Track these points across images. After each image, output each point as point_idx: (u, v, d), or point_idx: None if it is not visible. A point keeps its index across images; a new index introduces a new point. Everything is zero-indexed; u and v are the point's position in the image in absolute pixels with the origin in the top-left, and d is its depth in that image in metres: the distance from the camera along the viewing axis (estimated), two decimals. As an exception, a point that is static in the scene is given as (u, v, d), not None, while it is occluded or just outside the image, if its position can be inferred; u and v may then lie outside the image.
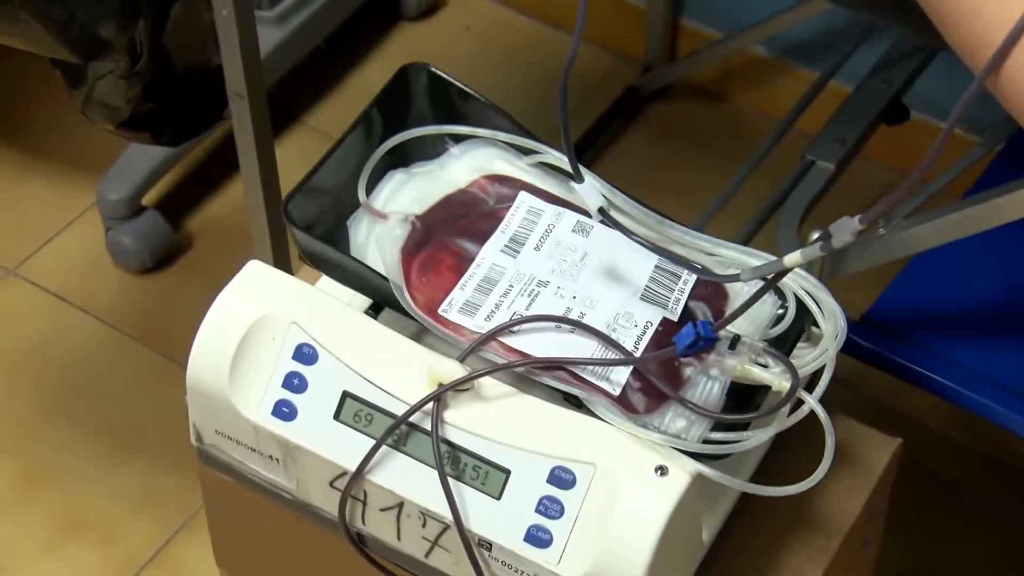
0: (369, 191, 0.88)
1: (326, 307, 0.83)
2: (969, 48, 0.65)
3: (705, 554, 0.83)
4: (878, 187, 1.57)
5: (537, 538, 0.77)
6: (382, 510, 0.81)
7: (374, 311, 0.87)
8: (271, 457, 0.84)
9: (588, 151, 1.76)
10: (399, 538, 0.82)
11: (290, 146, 1.75)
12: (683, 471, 0.75)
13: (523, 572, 0.78)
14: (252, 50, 1.08)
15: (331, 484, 0.82)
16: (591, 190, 0.81)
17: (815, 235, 0.80)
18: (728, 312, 0.81)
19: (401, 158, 0.89)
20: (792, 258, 0.70)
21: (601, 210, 0.81)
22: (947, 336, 1.03)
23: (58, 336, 1.55)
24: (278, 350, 0.82)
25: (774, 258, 0.75)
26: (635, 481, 0.75)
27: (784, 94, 1.74)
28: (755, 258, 0.81)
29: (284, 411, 0.82)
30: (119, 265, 1.62)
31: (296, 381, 0.81)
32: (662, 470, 0.75)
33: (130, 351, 1.54)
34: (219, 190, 1.70)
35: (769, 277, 0.73)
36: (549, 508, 0.77)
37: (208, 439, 0.86)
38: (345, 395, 0.80)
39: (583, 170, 0.83)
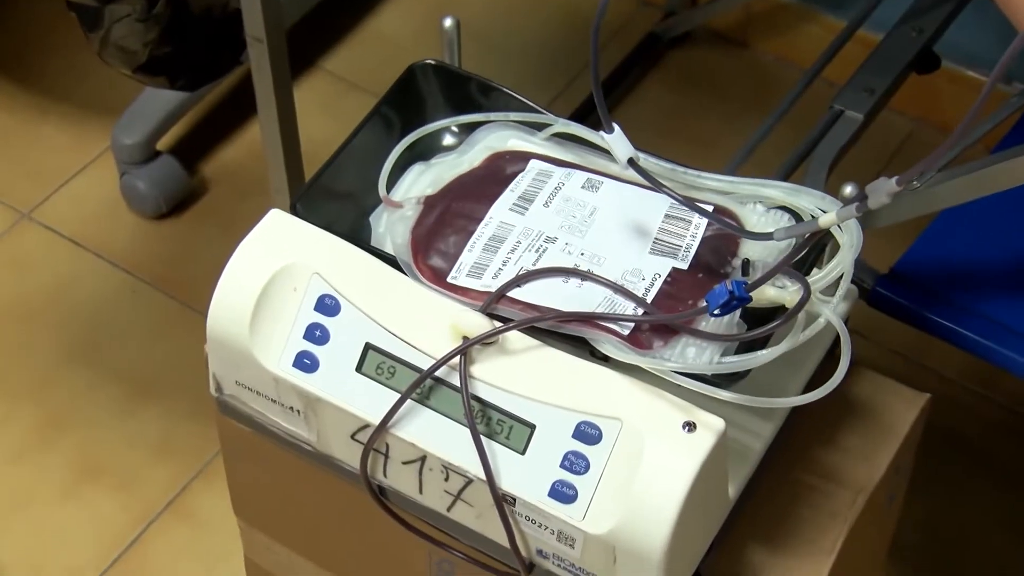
0: (390, 187, 0.87)
1: (349, 258, 0.81)
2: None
3: (732, 509, 0.82)
4: (901, 136, 1.55)
5: (562, 493, 0.76)
6: (404, 463, 0.80)
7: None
8: (292, 409, 0.83)
9: (607, 99, 1.74)
10: (421, 491, 0.81)
11: (307, 90, 1.74)
12: (710, 427, 0.74)
13: (547, 527, 0.77)
14: (272, -7, 1.06)
15: (353, 437, 0.81)
16: (621, 140, 0.79)
17: (850, 193, 0.78)
18: (741, 250, 0.80)
19: (419, 154, 0.89)
20: (827, 219, 0.69)
21: (631, 160, 0.79)
22: (973, 290, 1.02)
23: (73, 282, 1.54)
24: (300, 301, 0.80)
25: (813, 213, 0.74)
26: (662, 437, 0.74)
27: (807, 41, 1.72)
28: (775, 190, 0.80)
29: (305, 363, 0.81)
30: (134, 210, 1.60)
31: (318, 332, 0.80)
32: (690, 426, 0.74)
33: (145, 297, 1.53)
34: (235, 135, 1.68)
35: (804, 237, 0.72)
36: (574, 463, 0.76)
37: (228, 389, 0.85)
38: (368, 347, 0.79)
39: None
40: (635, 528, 0.74)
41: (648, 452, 0.74)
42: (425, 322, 0.79)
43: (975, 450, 1.42)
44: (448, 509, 0.81)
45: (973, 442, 1.42)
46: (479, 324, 0.77)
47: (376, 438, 0.80)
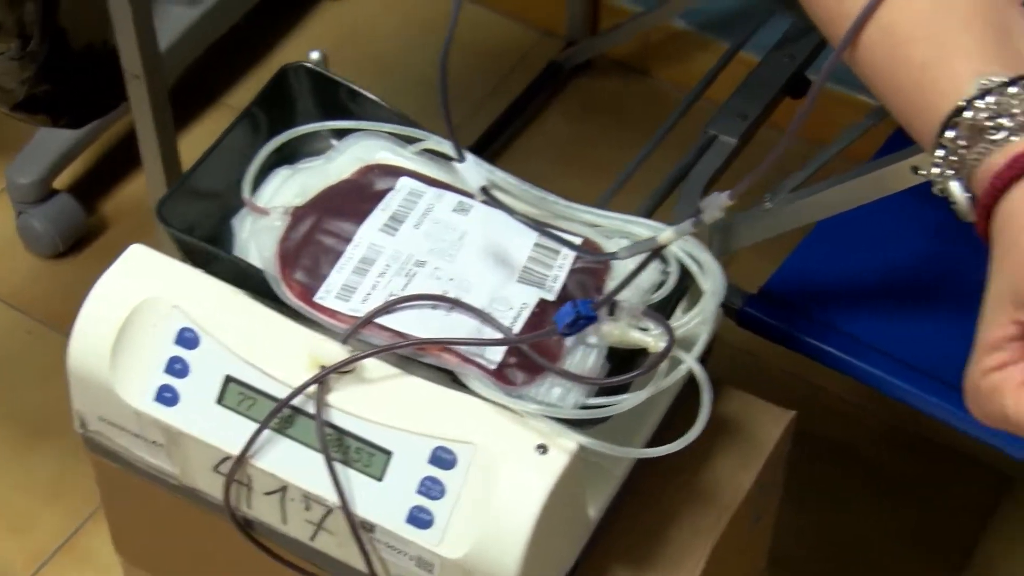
0: (254, 190, 0.87)
1: (209, 291, 0.82)
2: (829, 20, 0.65)
3: (593, 531, 0.83)
4: (790, 157, 1.58)
5: (419, 519, 0.76)
6: (266, 494, 0.81)
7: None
8: (155, 443, 0.83)
9: (509, 128, 1.75)
10: (284, 522, 0.81)
11: (209, 127, 1.73)
12: (563, 449, 0.75)
13: (406, 553, 0.77)
14: (147, 28, 1.07)
15: (215, 469, 0.81)
16: (473, 168, 0.80)
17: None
18: (607, 284, 0.81)
19: (287, 157, 0.89)
20: (666, 235, 0.70)
21: (484, 189, 0.80)
22: (840, 308, 1.04)
23: (-32, 322, 1.53)
24: (160, 334, 0.81)
25: (659, 227, 0.75)
26: (515, 460, 0.75)
27: (705, 68, 1.74)
28: (641, 227, 0.81)
29: (166, 396, 0.81)
30: (30, 250, 1.59)
31: (178, 366, 0.81)
32: (542, 448, 0.75)
33: (40, 337, 1.52)
34: (135, 172, 1.68)
35: (646, 255, 0.73)
36: (431, 489, 0.76)
37: (92, 426, 0.85)
38: (228, 379, 0.80)
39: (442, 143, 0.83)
40: (489, 551, 0.75)
41: (501, 475, 0.75)
42: (284, 352, 0.79)
43: (862, 461, 1.44)
44: (312, 539, 0.81)
45: (865, 457, 1.45)
46: (336, 353, 0.78)
47: (237, 470, 0.80)
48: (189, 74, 1.76)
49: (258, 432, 0.78)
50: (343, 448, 0.78)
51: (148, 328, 0.81)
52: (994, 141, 0.57)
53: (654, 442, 0.87)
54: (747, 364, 1.42)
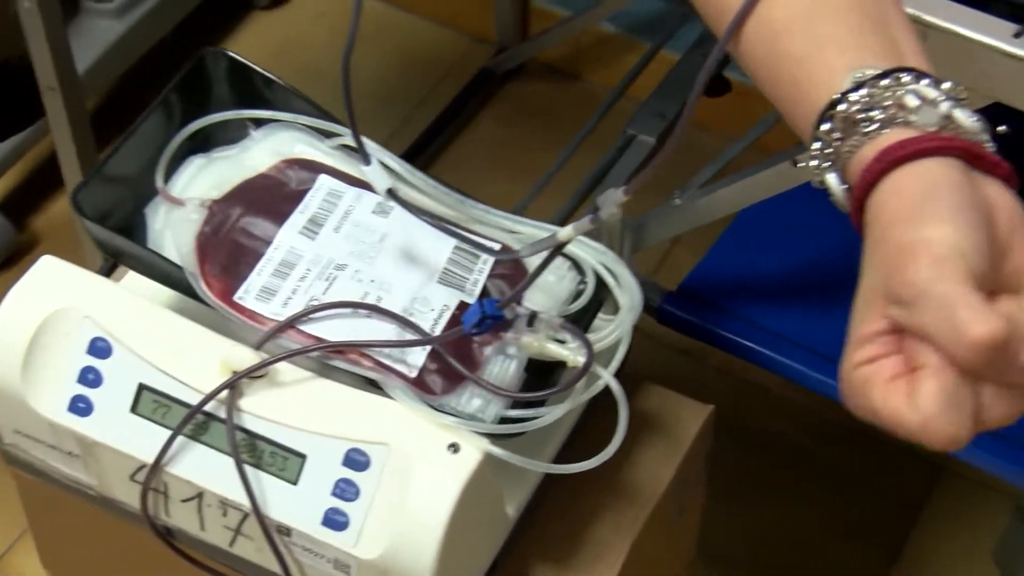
0: (168, 178, 0.87)
1: (120, 300, 0.82)
2: (715, 16, 0.66)
3: (512, 529, 0.84)
4: (710, 153, 1.60)
5: (334, 521, 0.77)
6: (183, 501, 0.81)
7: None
8: (71, 454, 0.83)
9: (442, 134, 1.76)
10: (203, 528, 0.81)
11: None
12: (475, 448, 0.76)
13: (323, 556, 0.78)
14: (61, 41, 1.06)
15: (132, 478, 0.81)
16: (379, 171, 0.81)
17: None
18: (526, 293, 0.82)
19: (202, 144, 0.88)
20: (565, 232, 0.71)
21: (390, 191, 0.81)
22: (761, 303, 1.05)
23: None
24: (72, 345, 0.81)
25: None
26: (427, 459, 0.75)
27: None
28: (545, 230, 0.82)
29: (80, 406, 0.81)
30: (-40, 266, 1.59)
31: (91, 376, 0.80)
32: (454, 447, 0.76)
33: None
34: (66, 188, 1.68)
35: (548, 252, 0.74)
36: (345, 491, 0.77)
37: (8, 439, 0.85)
38: (141, 387, 0.80)
39: (377, 149, 0.83)
40: (404, 550, 0.75)
41: (414, 475, 0.75)
42: (196, 359, 0.79)
43: (795, 455, 1.46)
44: (231, 545, 0.81)
45: (793, 447, 1.46)
46: (247, 358, 0.78)
47: (152, 478, 0.80)
48: (118, 88, 1.76)
49: (172, 439, 0.78)
50: (256, 453, 0.78)
51: (60, 339, 0.81)
52: (866, 133, 0.58)
53: (568, 447, 0.88)
54: (680, 361, 1.44)
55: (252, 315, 0.80)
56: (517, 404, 0.78)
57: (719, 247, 1.06)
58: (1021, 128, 0.64)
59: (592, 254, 0.84)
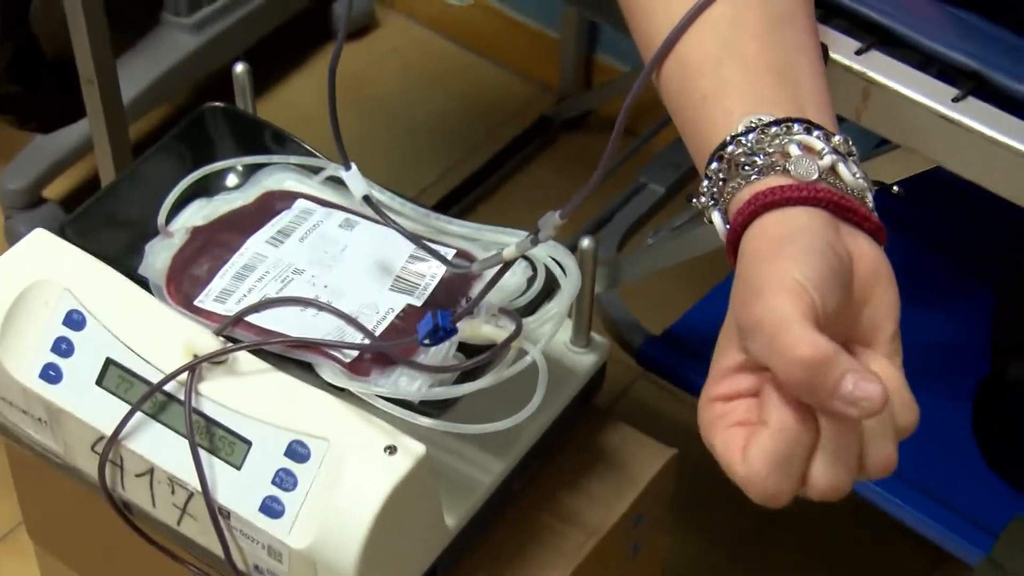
0: (170, 220, 0.90)
1: (101, 277, 0.85)
2: (643, 46, 0.68)
3: (453, 540, 0.85)
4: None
5: (271, 509, 0.79)
6: (137, 476, 0.84)
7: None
8: (40, 420, 0.86)
9: (494, 175, 1.79)
10: (154, 505, 0.84)
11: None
12: (410, 452, 0.78)
13: (258, 542, 0.80)
14: (100, 34, 1.11)
15: (92, 448, 0.85)
16: (357, 177, 0.84)
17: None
18: (474, 290, 0.84)
19: (201, 191, 0.92)
20: (509, 251, 0.73)
21: (366, 197, 0.84)
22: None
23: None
24: (49, 314, 0.84)
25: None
26: (363, 458, 0.78)
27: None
28: (510, 237, 0.84)
29: (51, 374, 0.84)
30: (13, 253, 1.64)
31: (64, 346, 0.84)
32: (391, 449, 0.78)
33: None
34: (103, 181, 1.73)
35: (496, 269, 0.76)
36: (284, 480, 0.79)
37: (-14, 400, 0.89)
38: (108, 362, 0.83)
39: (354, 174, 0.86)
40: (330, 543, 0.77)
41: (348, 471, 0.77)
42: (163, 341, 0.83)
43: (797, 522, 1.45)
44: (178, 523, 0.84)
45: (796, 515, 1.45)
46: (209, 344, 0.81)
47: (111, 449, 0.83)
48: (189, 101, 1.82)
49: (130, 414, 0.81)
50: (209, 435, 0.81)
51: (40, 307, 0.84)
52: (746, 177, 0.59)
53: (524, 467, 0.89)
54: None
55: (208, 315, 0.83)
56: (452, 383, 0.79)
57: (711, 298, 1.07)
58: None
59: (545, 249, 0.85)
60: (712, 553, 1.43)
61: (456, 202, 1.70)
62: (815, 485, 0.56)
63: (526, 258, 0.85)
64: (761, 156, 0.59)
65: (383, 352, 0.80)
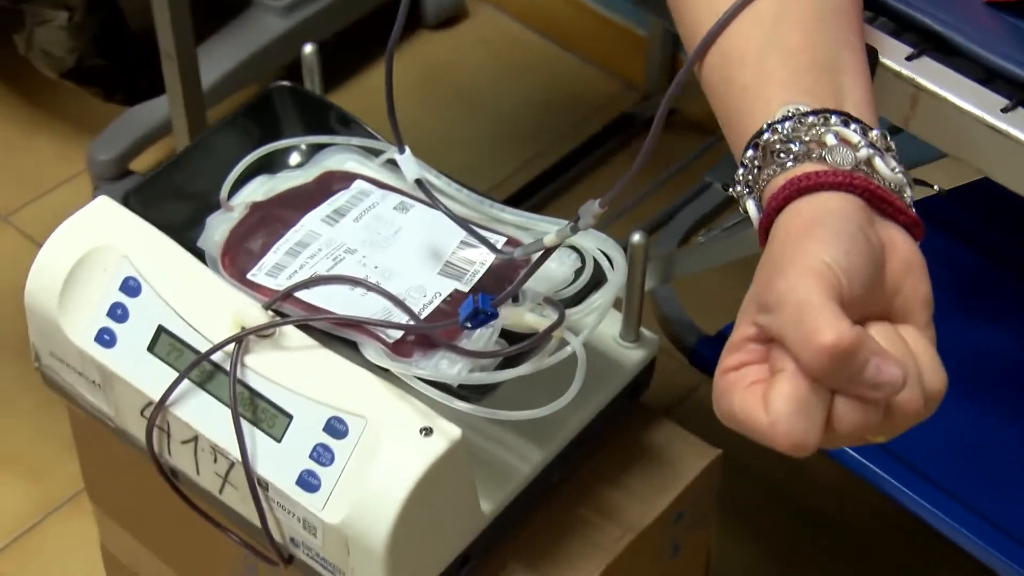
0: (233, 194, 0.92)
1: (159, 247, 0.87)
2: (687, 38, 0.68)
3: (487, 527, 0.86)
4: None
5: (308, 483, 0.80)
6: (183, 443, 0.85)
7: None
8: (94, 382, 0.88)
9: (572, 169, 1.80)
10: (198, 472, 0.86)
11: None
12: (446, 435, 0.79)
13: (294, 514, 0.81)
14: (182, 11, 1.13)
15: (142, 413, 0.87)
16: (411, 161, 0.85)
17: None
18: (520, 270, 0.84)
19: (264, 168, 0.94)
20: (550, 239, 0.74)
21: (418, 181, 0.84)
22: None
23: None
24: (107, 280, 0.86)
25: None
26: (398, 437, 0.78)
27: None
28: (554, 227, 0.84)
29: (105, 338, 0.86)
30: (98, 223, 1.68)
31: (119, 311, 0.86)
32: (427, 431, 0.79)
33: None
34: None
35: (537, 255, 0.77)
36: (322, 455, 0.80)
37: (45, 360, 0.91)
38: (160, 329, 0.85)
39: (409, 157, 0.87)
40: (363, 519, 0.78)
41: (383, 450, 0.78)
42: (213, 312, 0.84)
43: (848, 533, 1.44)
44: (220, 492, 0.86)
45: (847, 526, 1.44)
46: (257, 317, 0.83)
47: (157, 415, 0.85)
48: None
49: (177, 381, 0.83)
50: (252, 407, 0.82)
51: (99, 272, 0.87)
52: (782, 164, 0.59)
53: (564, 459, 0.90)
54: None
55: (259, 288, 0.85)
56: (492, 368, 0.79)
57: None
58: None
59: (593, 241, 0.85)
60: (763, 562, 1.42)
61: (532, 195, 1.70)
62: (841, 424, 0.54)
63: (576, 250, 0.86)
64: (797, 144, 0.59)
65: (427, 335, 0.81)
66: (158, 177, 0.93)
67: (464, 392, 0.79)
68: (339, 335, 0.82)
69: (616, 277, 0.82)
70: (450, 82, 1.94)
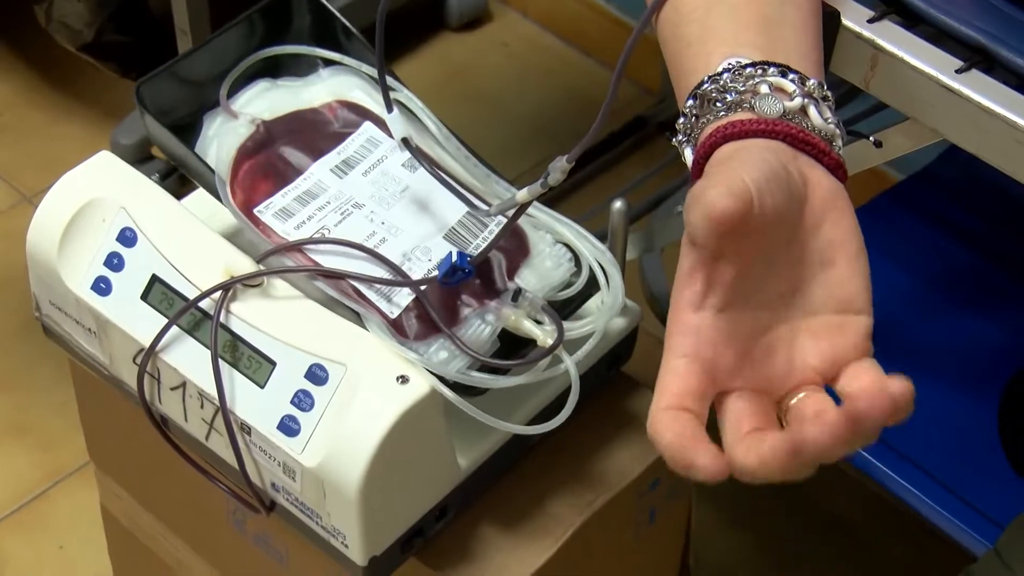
0: (233, 94, 0.94)
1: (156, 198, 0.90)
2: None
3: (464, 481, 0.88)
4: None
5: (288, 427, 0.83)
6: (171, 389, 0.88)
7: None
8: (90, 330, 0.92)
9: (586, 167, 1.82)
10: (186, 419, 0.89)
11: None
12: (422, 383, 0.81)
13: (275, 458, 0.84)
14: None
15: (134, 360, 0.89)
16: (399, 120, 0.87)
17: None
18: (520, 263, 0.87)
19: (271, 70, 0.95)
20: (522, 194, 0.76)
21: (405, 140, 0.87)
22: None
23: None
24: (105, 230, 0.89)
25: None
26: (375, 383, 0.81)
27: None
28: (570, 231, 0.89)
29: (101, 287, 0.89)
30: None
31: (115, 260, 0.89)
32: (403, 379, 0.81)
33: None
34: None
35: (511, 212, 0.79)
36: (302, 401, 0.83)
37: (44, 309, 0.94)
38: (154, 278, 0.88)
39: (411, 99, 0.90)
40: (338, 463, 0.81)
41: (360, 396, 0.81)
42: (205, 262, 0.87)
43: (827, 517, 1.45)
44: (206, 438, 0.89)
45: (826, 510, 1.45)
46: (245, 266, 0.86)
47: (147, 361, 0.88)
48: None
49: (166, 327, 0.86)
50: (236, 353, 0.85)
51: (97, 223, 0.90)
52: (715, 113, 0.61)
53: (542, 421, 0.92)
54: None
55: (265, 229, 0.88)
56: (481, 368, 0.83)
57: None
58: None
59: (592, 251, 0.88)
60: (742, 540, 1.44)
61: (547, 192, 1.72)
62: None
63: (574, 253, 0.88)
64: (732, 94, 0.61)
65: (426, 312, 0.83)
66: (167, 70, 0.93)
67: (455, 387, 0.82)
68: (346, 304, 0.84)
69: (611, 299, 0.86)
70: (471, 82, 1.98)
